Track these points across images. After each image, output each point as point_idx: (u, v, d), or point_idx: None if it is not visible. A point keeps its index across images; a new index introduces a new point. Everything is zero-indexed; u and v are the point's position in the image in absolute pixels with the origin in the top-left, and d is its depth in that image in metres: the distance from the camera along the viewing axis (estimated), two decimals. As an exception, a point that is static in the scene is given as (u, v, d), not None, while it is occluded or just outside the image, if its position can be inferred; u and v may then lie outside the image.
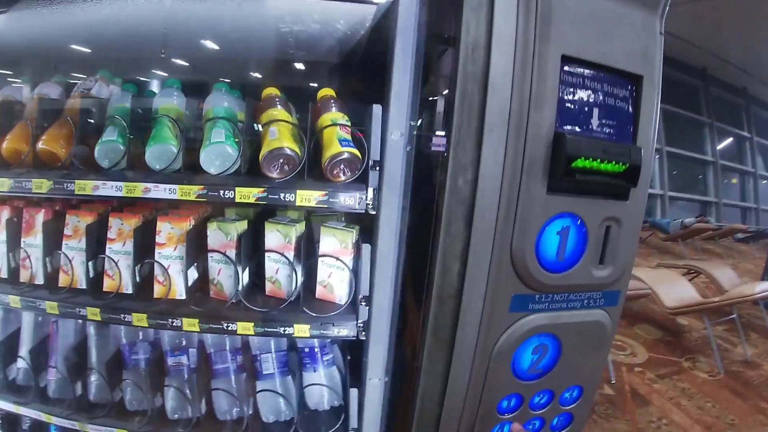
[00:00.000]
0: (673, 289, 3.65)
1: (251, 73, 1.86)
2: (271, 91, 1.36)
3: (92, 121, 1.37)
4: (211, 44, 1.66)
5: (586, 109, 0.92)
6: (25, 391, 1.52)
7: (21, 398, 1.50)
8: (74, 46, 1.66)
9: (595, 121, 0.92)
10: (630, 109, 0.95)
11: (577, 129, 0.91)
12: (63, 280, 1.36)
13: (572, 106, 0.90)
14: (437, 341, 1.00)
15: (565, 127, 0.90)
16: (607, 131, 0.94)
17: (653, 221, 9.19)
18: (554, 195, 0.90)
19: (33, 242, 1.38)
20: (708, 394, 3.24)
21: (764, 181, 12.87)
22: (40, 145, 1.31)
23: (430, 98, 1.21)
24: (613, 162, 0.88)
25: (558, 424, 1.20)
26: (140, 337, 1.47)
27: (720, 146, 12.05)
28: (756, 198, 12.71)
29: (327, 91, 1.36)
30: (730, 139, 12.49)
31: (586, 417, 1.25)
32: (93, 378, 1.46)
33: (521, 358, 1.05)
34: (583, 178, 0.88)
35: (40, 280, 1.39)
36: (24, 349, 1.53)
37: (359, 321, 1.25)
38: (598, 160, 0.86)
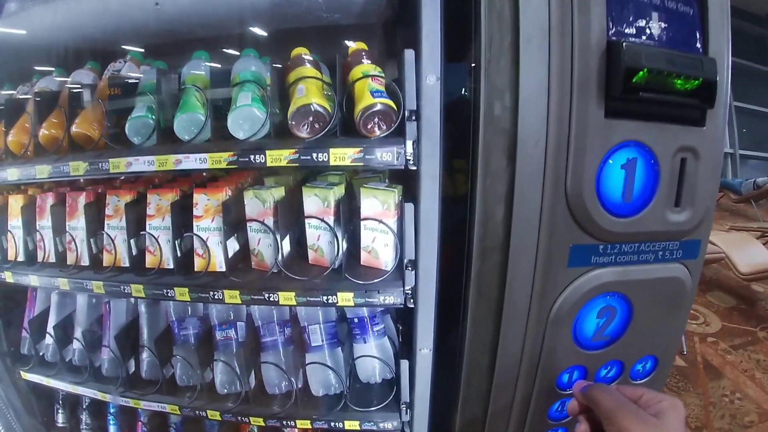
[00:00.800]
0: (748, 253, 3.34)
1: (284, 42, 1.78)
2: (300, 50, 1.28)
3: (123, 100, 1.34)
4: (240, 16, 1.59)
5: (644, 12, 0.76)
6: (81, 371, 1.54)
7: (77, 378, 1.53)
8: (104, 35, 1.65)
9: (655, 27, 0.76)
10: (697, 12, 0.79)
11: (634, 37, 0.77)
12: (107, 260, 1.35)
13: (626, 9, 0.75)
14: (482, 304, 0.88)
15: (619, 35, 0.76)
16: (670, 39, 0.78)
17: (724, 181, 8.49)
18: (614, 120, 0.74)
19: (77, 225, 1.39)
20: (783, 367, 2.96)
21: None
22: (74, 129, 1.30)
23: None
24: (683, 76, 0.73)
25: None
26: (189, 313, 1.44)
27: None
28: (835, 154, 11.54)
29: (358, 45, 1.27)
30: (805, 90, 11.36)
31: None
32: (144, 355, 1.46)
33: (584, 323, 0.90)
34: (648, 97, 0.73)
35: (85, 261, 1.39)
36: (79, 331, 1.55)
37: (406, 287, 1.16)
38: (665, 73, 0.72)
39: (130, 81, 1.33)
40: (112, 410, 1.66)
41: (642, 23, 0.75)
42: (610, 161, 0.78)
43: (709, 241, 3.27)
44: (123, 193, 1.34)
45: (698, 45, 0.81)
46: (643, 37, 0.77)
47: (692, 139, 0.80)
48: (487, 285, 0.86)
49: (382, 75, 1.17)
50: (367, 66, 1.18)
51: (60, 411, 1.74)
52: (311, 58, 1.26)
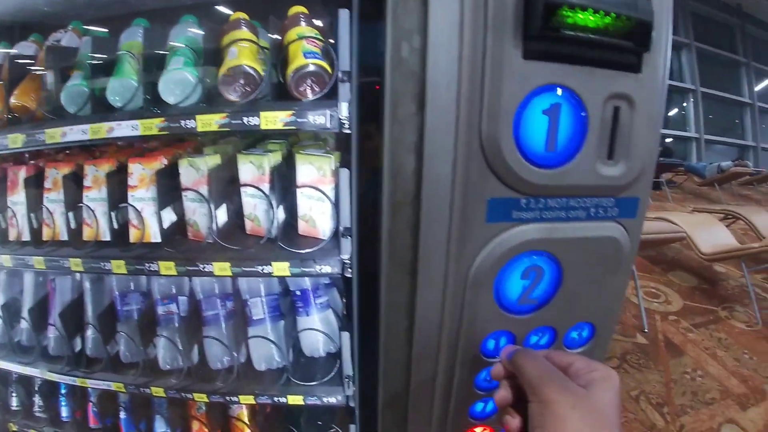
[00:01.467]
0: (710, 235, 3.32)
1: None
2: (238, 15, 1.21)
3: (60, 71, 1.26)
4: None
5: None
6: (30, 351, 1.47)
7: (26, 358, 1.45)
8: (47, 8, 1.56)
9: None
10: None
11: None
12: (46, 234, 1.28)
13: None
14: (396, 266, 0.79)
15: None
16: None
17: (689, 165, 8.58)
18: (535, 61, 0.68)
19: (18, 200, 1.30)
20: (745, 345, 2.95)
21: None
22: (12, 100, 1.23)
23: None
24: (613, 14, 0.66)
25: None
26: (131, 288, 1.38)
27: (758, 88, 11.07)
28: (797, 142, 11.63)
29: (297, 8, 1.20)
30: (768, 80, 11.46)
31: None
32: (89, 333, 1.39)
33: (508, 285, 0.82)
34: (571, 36, 0.66)
35: (27, 236, 1.31)
36: (25, 310, 1.46)
37: (344, 256, 1.10)
38: (590, 11, 0.65)
39: (68, 50, 1.25)
40: (63, 391, 1.58)
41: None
42: (531, 105, 0.71)
43: (671, 221, 3.28)
44: (61, 166, 1.26)
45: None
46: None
47: (626, 86, 0.72)
48: (400, 244, 0.79)
49: (319, 37, 1.10)
50: (303, 28, 1.12)
51: (14, 394, 1.65)
52: (248, 22, 1.18)
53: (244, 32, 1.12)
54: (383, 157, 0.75)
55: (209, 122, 1.04)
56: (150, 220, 1.17)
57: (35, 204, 1.29)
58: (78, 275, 1.45)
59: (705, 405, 2.40)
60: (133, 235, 1.18)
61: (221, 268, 1.12)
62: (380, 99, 0.76)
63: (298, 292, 1.30)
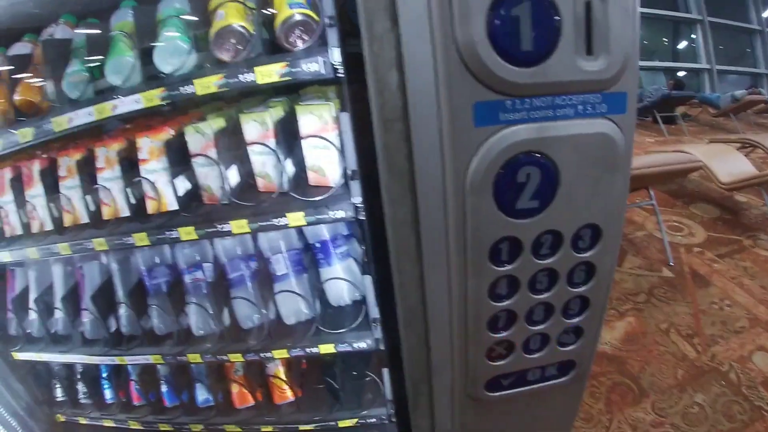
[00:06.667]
0: (728, 164, 3.33)
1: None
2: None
3: (58, 61, 1.33)
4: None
5: None
6: (67, 340, 1.58)
7: (64, 347, 1.56)
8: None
9: None
10: None
11: None
12: (68, 221, 1.38)
13: None
14: (395, 181, 0.84)
15: None
16: None
17: (702, 97, 8.45)
18: None
19: (36, 193, 1.39)
20: (771, 273, 2.96)
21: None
22: (16, 97, 1.30)
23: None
24: None
25: (576, 276, 0.97)
26: (157, 261, 1.47)
27: (766, 14, 10.80)
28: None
29: None
30: (777, 5, 11.17)
31: (612, 271, 1.00)
32: (122, 311, 1.49)
33: (506, 189, 0.84)
34: None
35: (49, 226, 1.41)
36: (58, 301, 1.57)
37: (354, 199, 1.16)
38: None
39: (63, 41, 1.33)
40: (104, 374, 1.69)
41: None
42: (501, 4, 0.74)
43: (688, 152, 3.29)
44: (73, 153, 1.35)
45: None
46: None
47: None
48: (396, 158, 0.83)
49: (303, -10, 1.15)
50: (283, -18, 1.17)
51: (58, 385, 1.77)
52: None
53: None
54: (367, 77, 0.81)
55: (207, 84, 1.10)
56: (164, 190, 1.25)
57: (53, 194, 1.38)
58: (104, 258, 1.55)
59: (735, 334, 2.45)
60: (151, 206, 1.26)
61: (239, 225, 1.20)
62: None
63: (317, 244, 1.37)
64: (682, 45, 11.02)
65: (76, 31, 1.43)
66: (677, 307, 2.67)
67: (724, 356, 2.29)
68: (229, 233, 1.20)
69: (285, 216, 1.18)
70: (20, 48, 1.46)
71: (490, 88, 0.78)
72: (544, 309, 0.99)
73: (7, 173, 1.45)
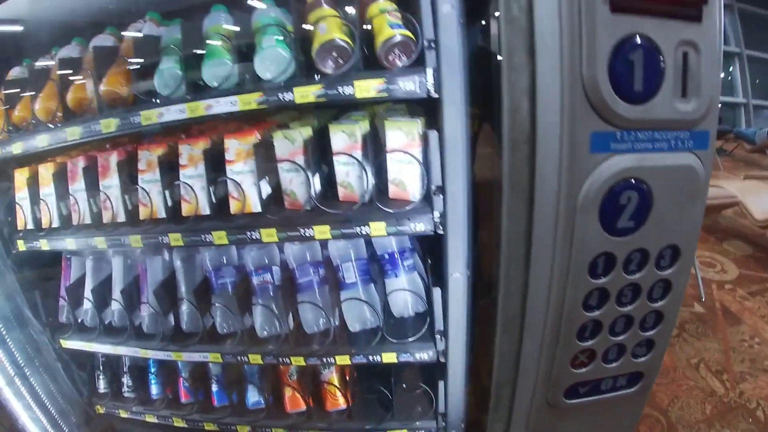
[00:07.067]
0: (763, 201, 3.42)
1: None
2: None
3: (148, 57, 1.41)
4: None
5: None
6: (121, 332, 1.65)
7: (117, 338, 1.63)
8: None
9: None
10: None
11: None
12: (143, 213, 1.45)
13: None
14: (515, 196, 0.96)
15: None
16: None
17: (738, 132, 8.53)
18: (620, 14, 0.84)
19: (111, 183, 1.47)
20: (801, 313, 3.04)
21: None
22: (102, 88, 1.38)
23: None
24: None
25: (655, 292, 1.11)
26: (225, 262, 1.54)
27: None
28: None
29: None
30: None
31: (683, 290, 1.14)
32: (184, 308, 1.56)
33: (610, 209, 0.98)
34: None
35: (121, 218, 1.48)
36: (117, 292, 1.64)
37: (435, 213, 1.24)
38: None
39: (152, 38, 1.42)
40: (153, 369, 1.76)
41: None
42: (619, 51, 0.87)
43: (723, 188, 3.38)
44: (154, 147, 1.42)
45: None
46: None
47: (692, 34, 0.90)
48: (519, 176, 0.95)
49: (398, 10, 1.24)
50: (383, 3, 1.26)
51: (101, 377, 1.84)
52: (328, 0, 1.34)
53: (328, 9, 1.27)
54: (502, 102, 0.91)
55: (306, 93, 1.19)
56: (249, 192, 1.33)
57: (129, 186, 1.46)
58: (166, 254, 1.63)
59: (763, 372, 2.50)
60: (234, 206, 1.34)
61: (321, 231, 1.27)
62: (488, 55, 0.92)
63: (386, 256, 1.45)
64: (720, 78, 11.06)
65: (162, 29, 1.53)
66: (708, 343, 2.74)
67: (752, 393, 2.34)
68: (311, 238, 1.28)
69: (368, 225, 1.25)
70: (103, 40, 1.55)
71: (605, 120, 0.90)
72: (625, 321, 1.11)
73: (81, 162, 1.54)
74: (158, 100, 1.32)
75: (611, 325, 1.09)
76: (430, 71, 1.14)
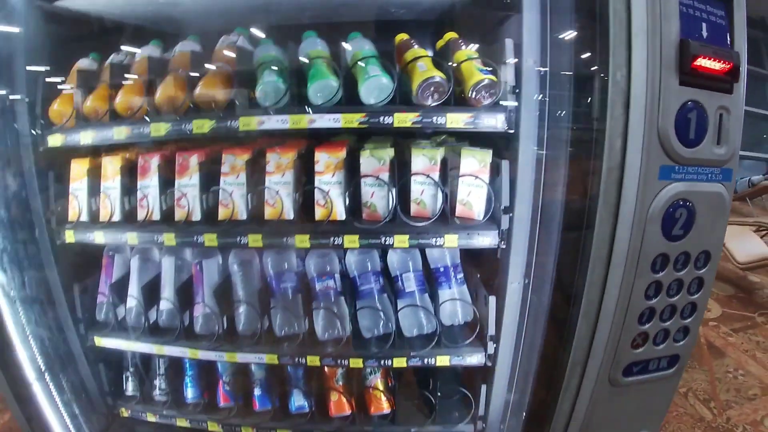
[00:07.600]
0: (745, 245, 4.15)
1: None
2: (403, 36, 1.78)
3: (243, 68, 1.72)
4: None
5: (698, 22, 1.38)
6: (167, 332, 1.90)
7: (162, 338, 1.89)
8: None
9: (704, 33, 1.39)
10: (726, 23, 1.42)
11: (693, 38, 1.36)
12: (223, 214, 1.76)
13: (690, 20, 1.36)
14: (606, 209, 1.42)
15: (685, 35, 1.34)
16: (710, 38, 1.39)
17: None
18: (684, 87, 1.34)
19: (188, 183, 1.77)
20: (782, 349, 3.68)
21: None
22: (198, 91, 1.64)
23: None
24: (722, 61, 1.36)
25: (692, 288, 1.58)
26: (286, 268, 1.87)
27: (785, 102, 12.55)
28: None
29: (451, 34, 1.78)
30: (797, 94, 12.98)
31: (710, 288, 1.61)
32: (240, 310, 1.85)
33: (668, 220, 1.44)
34: (701, 73, 1.33)
35: (196, 216, 1.78)
36: (167, 292, 1.91)
37: (501, 229, 1.63)
38: (711, 60, 1.34)
39: (247, 51, 1.76)
40: (189, 372, 2.01)
41: (697, 29, 1.37)
42: (681, 111, 1.37)
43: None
44: (240, 152, 1.74)
45: (728, 42, 1.44)
46: (699, 36, 1.38)
47: (726, 101, 1.40)
48: (609, 194, 1.40)
49: (485, 59, 1.68)
50: (468, 51, 1.69)
51: (130, 379, 2.06)
52: (414, 42, 1.79)
53: (421, 50, 1.71)
54: (606, 141, 1.38)
55: (405, 119, 1.55)
56: (336, 201, 1.69)
57: (208, 186, 1.76)
58: (220, 258, 1.96)
59: (748, 400, 3.11)
60: (320, 213, 1.68)
61: (401, 240, 1.63)
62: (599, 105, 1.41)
63: (441, 269, 1.85)
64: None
65: (259, 44, 1.88)
66: (695, 374, 3.33)
67: (738, 419, 2.93)
68: (390, 246, 1.66)
69: (443, 237, 1.64)
70: (187, 46, 1.87)
71: (669, 157, 1.39)
72: (670, 309, 1.57)
73: (155, 159, 1.80)
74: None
75: (661, 313, 1.55)
76: (511, 111, 1.57)
